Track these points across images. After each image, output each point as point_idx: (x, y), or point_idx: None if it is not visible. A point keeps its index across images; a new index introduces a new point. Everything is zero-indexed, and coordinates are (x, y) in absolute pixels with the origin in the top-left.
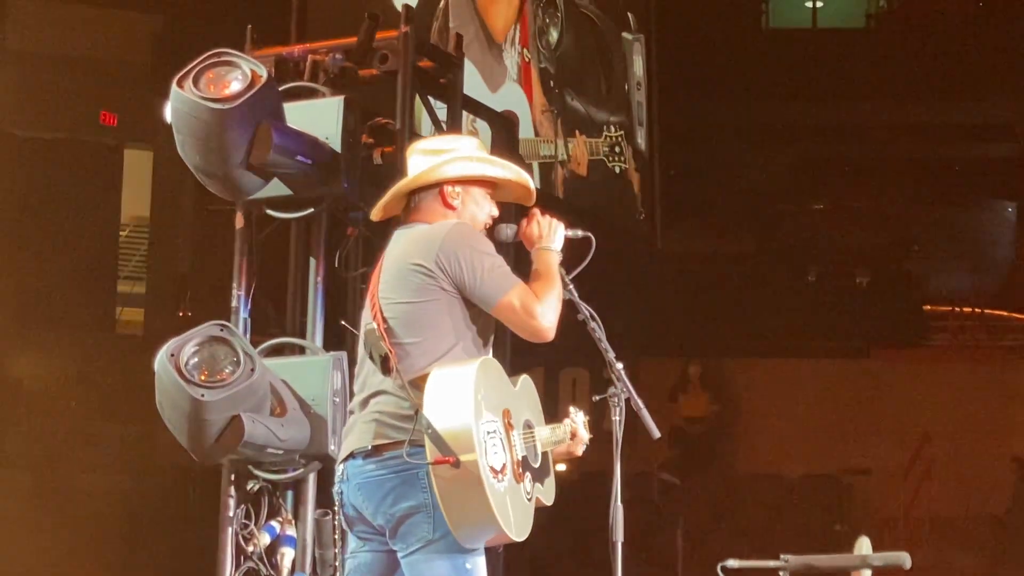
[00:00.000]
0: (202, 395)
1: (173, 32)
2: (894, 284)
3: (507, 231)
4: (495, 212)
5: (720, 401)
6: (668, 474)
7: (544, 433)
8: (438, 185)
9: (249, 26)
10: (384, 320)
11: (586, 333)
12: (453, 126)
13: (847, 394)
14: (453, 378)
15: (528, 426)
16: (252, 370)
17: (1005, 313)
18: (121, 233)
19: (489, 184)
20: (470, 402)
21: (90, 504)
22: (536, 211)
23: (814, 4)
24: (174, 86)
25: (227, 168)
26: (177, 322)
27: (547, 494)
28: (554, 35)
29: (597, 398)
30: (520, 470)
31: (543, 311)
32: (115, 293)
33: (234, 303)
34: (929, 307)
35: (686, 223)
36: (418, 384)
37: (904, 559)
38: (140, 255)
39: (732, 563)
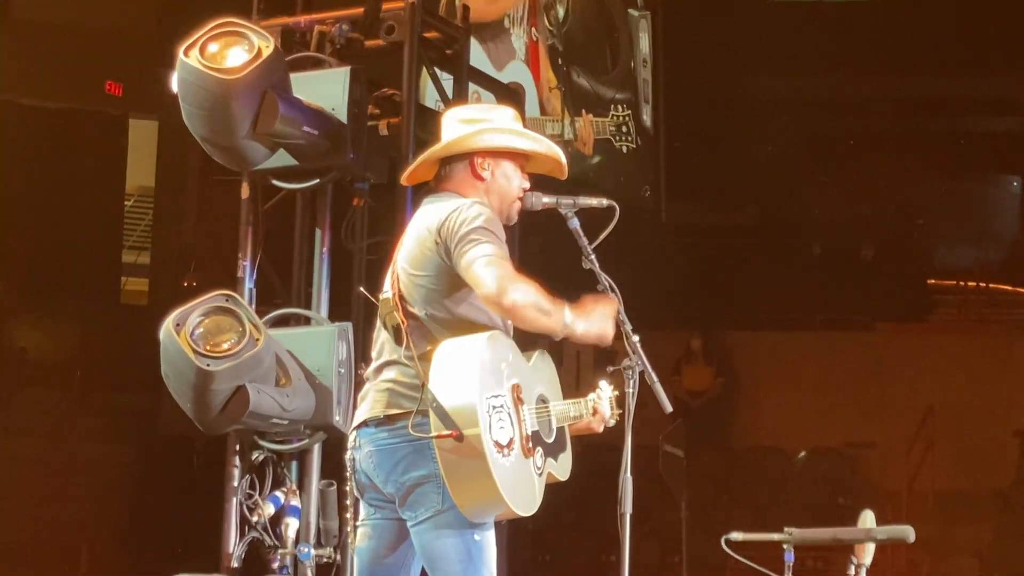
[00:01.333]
0: (207, 365)
1: (179, 2)
2: (899, 258)
3: (534, 199)
4: (526, 185)
5: (724, 374)
6: (672, 447)
7: (560, 408)
8: (469, 155)
9: None
10: (400, 289)
11: None
12: (459, 98)
13: (851, 368)
14: (459, 352)
15: (542, 400)
16: (257, 340)
17: (1009, 287)
18: (126, 203)
19: (520, 156)
20: (475, 376)
21: (95, 473)
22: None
23: None
24: (180, 56)
25: (233, 138)
26: (182, 292)
27: (561, 469)
28: (561, 11)
29: (612, 369)
30: (530, 444)
31: (516, 286)
32: (120, 263)
33: (239, 273)
34: (933, 281)
35: (691, 196)
36: (428, 356)
37: (908, 533)
38: (145, 225)
39: (736, 536)
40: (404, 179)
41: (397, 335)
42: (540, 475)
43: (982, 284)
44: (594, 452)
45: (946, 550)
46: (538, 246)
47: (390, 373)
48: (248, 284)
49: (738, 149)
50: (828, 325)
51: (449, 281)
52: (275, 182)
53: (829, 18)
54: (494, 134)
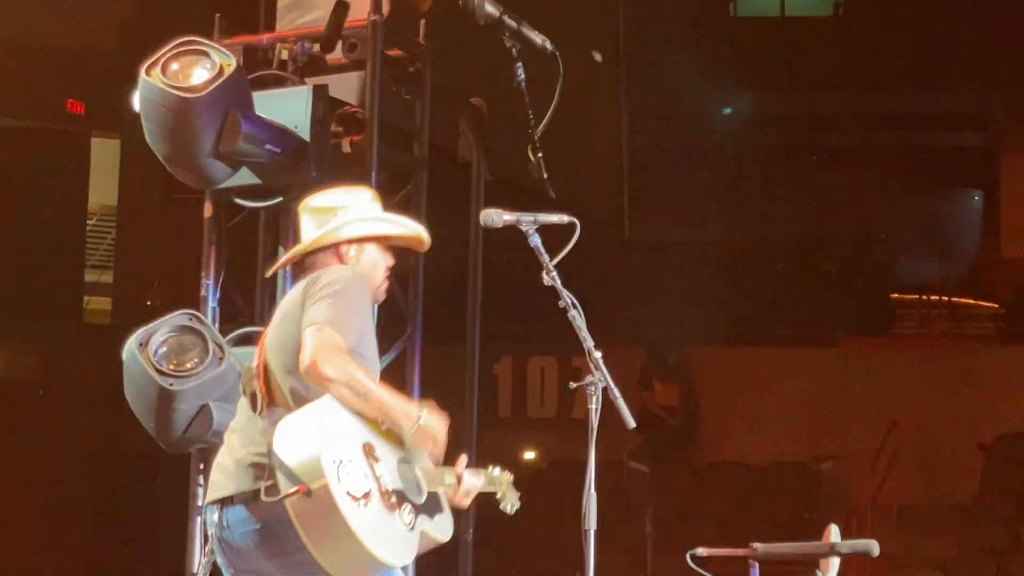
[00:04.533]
0: (171, 384)
1: (141, 20)
2: (861, 273)
3: (494, 216)
4: (390, 262)
5: (688, 390)
6: (637, 462)
7: (431, 473)
8: (334, 245)
9: (217, 15)
10: (265, 362)
11: (555, 322)
12: (421, 114)
13: (815, 383)
14: (301, 415)
15: (405, 461)
16: (221, 359)
17: (972, 301)
18: (88, 222)
19: (383, 238)
20: (314, 434)
21: (58, 493)
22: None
23: None
24: (142, 74)
25: (195, 157)
26: (145, 311)
27: (441, 529)
28: None
29: (574, 385)
30: (393, 499)
31: (328, 360)
32: (82, 282)
33: (203, 292)
34: (896, 295)
35: (654, 212)
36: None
37: (872, 547)
38: (108, 244)
39: (701, 551)
40: (269, 273)
41: (254, 405)
42: (411, 529)
43: (944, 298)
44: (559, 468)
45: (911, 563)
46: (501, 264)
47: (244, 445)
48: (211, 303)
49: (702, 164)
50: (792, 340)
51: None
52: (238, 200)
53: (791, 34)
54: (356, 224)
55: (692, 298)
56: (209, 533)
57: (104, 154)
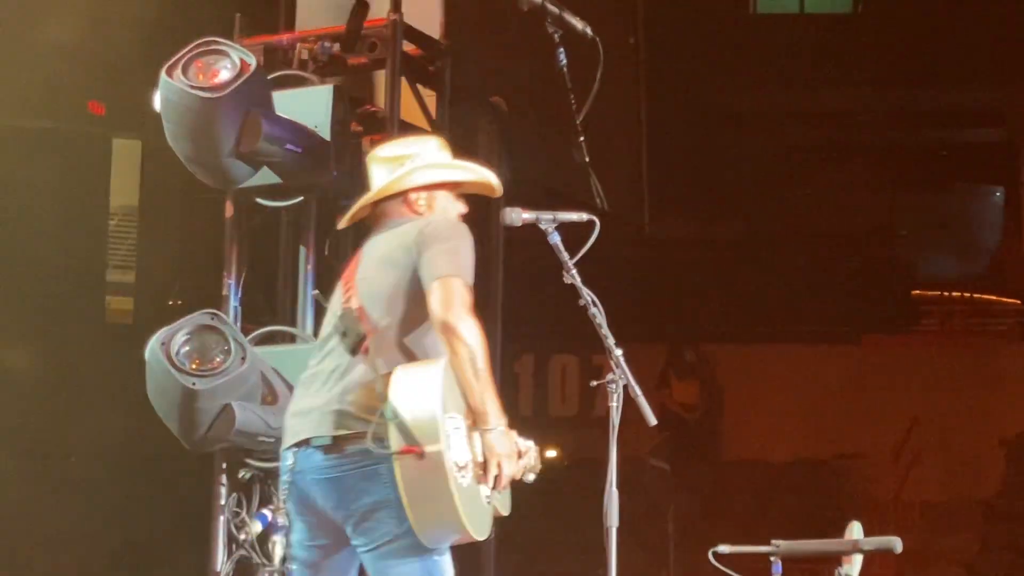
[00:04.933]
0: (193, 384)
1: (162, 21)
2: (882, 270)
3: (514, 215)
4: (463, 209)
5: (709, 387)
6: (658, 460)
7: None
8: (402, 193)
9: (238, 15)
10: (361, 305)
11: (576, 320)
12: (441, 113)
13: (836, 380)
14: (422, 371)
15: None
16: (243, 358)
17: (993, 297)
18: (110, 222)
19: (453, 184)
20: (437, 395)
21: (81, 493)
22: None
23: None
24: (163, 75)
25: (217, 157)
26: (167, 311)
27: (503, 504)
28: None
29: (595, 383)
30: (481, 472)
31: (462, 317)
32: (104, 282)
33: (224, 292)
34: (917, 292)
35: (674, 209)
36: (387, 373)
37: (895, 543)
38: (129, 244)
39: (723, 548)
40: (342, 224)
41: (356, 346)
42: (488, 503)
43: (966, 295)
44: (582, 465)
45: (933, 560)
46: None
47: (340, 389)
48: (233, 302)
49: (722, 161)
50: (813, 337)
51: (415, 299)
52: (259, 200)
53: (811, 30)
54: (424, 171)
55: (713, 295)
56: (282, 481)
57: (125, 155)
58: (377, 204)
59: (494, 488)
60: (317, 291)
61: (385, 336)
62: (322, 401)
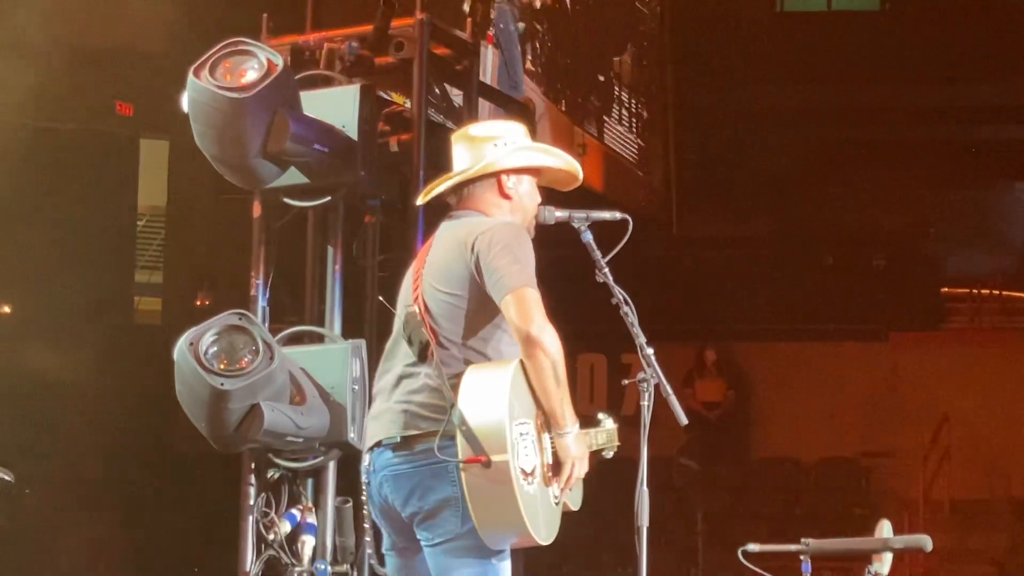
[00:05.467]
0: (222, 384)
1: (189, 21)
2: (911, 267)
3: (547, 214)
4: (539, 199)
5: (737, 386)
6: (688, 459)
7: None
8: (495, 174)
9: (265, 15)
10: (426, 305)
11: (604, 319)
12: (469, 113)
13: (865, 378)
14: (489, 377)
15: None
16: (271, 358)
17: (1022, 294)
18: (138, 223)
19: (535, 172)
20: (505, 403)
21: (109, 493)
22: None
23: None
24: (191, 76)
25: (244, 157)
26: (195, 311)
27: (575, 499)
28: None
29: (627, 382)
30: (550, 473)
31: (546, 330)
32: (133, 283)
33: (252, 292)
34: (947, 290)
35: (702, 208)
36: (456, 377)
37: (925, 542)
38: (157, 244)
39: (753, 547)
40: (422, 198)
41: (423, 352)
42: (557, 504)
43: (995, 292)
44: (611, 464)
45: (963, 559)
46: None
47: (409, 392)
48: (261, 302)
49: (750, 160)
50: (842, 335)
51: (478, 301)
52: (286, 200)
53: (839, 28)
54: (523, 152)
55: (742, 293)
56: (363, 483)
57: (153, 155)
58: (465, 184)
59: (564, 487)
60: (381, 297)
61: (449, 344)
62: (392, 404)
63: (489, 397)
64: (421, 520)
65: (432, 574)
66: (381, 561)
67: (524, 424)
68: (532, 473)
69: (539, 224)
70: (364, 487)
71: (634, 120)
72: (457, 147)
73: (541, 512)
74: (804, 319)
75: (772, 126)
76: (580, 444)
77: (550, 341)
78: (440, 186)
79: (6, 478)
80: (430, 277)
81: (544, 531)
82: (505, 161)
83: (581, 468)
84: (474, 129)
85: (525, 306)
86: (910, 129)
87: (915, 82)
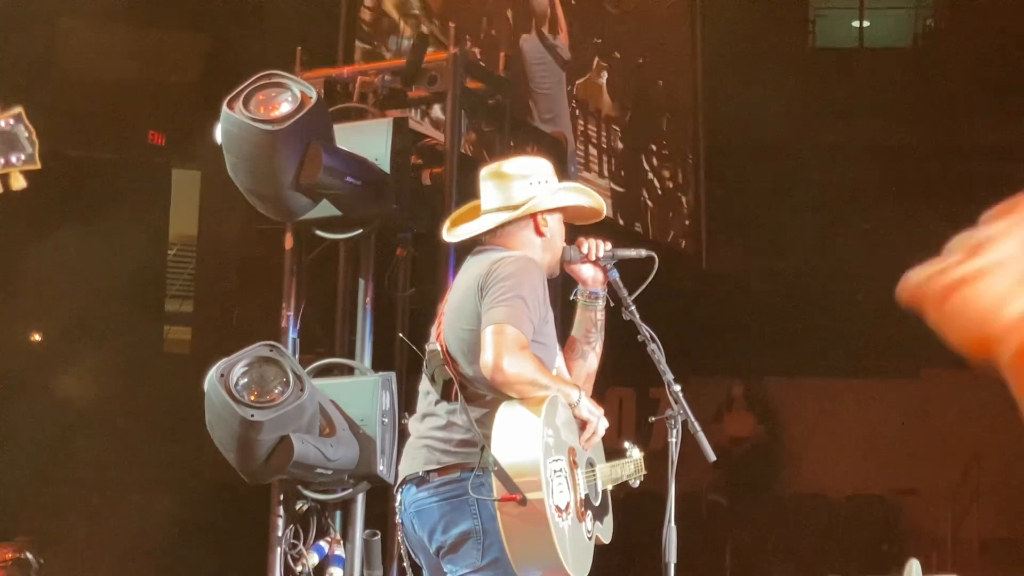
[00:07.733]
0: (252, 415)
1: (222, 53)
2: None
3: (573, 252)
4: (564, 235)
5: (766, 421)
6: (716, 495)
7: (605, 471)
8: (533, 215)
9: (298, 48)
10: (447, 343)
11: (633, 353)
12: (502, 147)
13: (896, 414)
14: (521, 415)
15: (590, 464)
16: (301, 390)
17: None
18: (169, 252)
19: (562, 208)
20: (539, 441)
21: (139, 522)
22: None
23: (861, 23)
24: (224, 108)
25: (277, 189)
26: (225, 342)
27: (606, 532)
28: None
29: (653, 419)
30: (582, 508)
31: (512, 362)
32: (163, 312)
33: (283, 323)
34: None
35: (732, 243)
36: (483, 415)
37: None
38: (188, 274)
39: None
40: (458, 237)
41: (446, 390)
42: (590, 539)
43: None
44: (638, 500)
45: None
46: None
47: (431, 427)
48: (292, 334)
49: (779, 194)
50: (871, 371)
51: None
52: (318, 232)
53: (869, 65)
54: (566, 193)
55: (771, 329)
56: (397, 521)
57: (185, 185)
58: (507, 224)
59: (589, 441)
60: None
61: (472, 384)
62: (415, 440)
63: (522, 436)
64: (445, 553)
65: None
66: None
67: (558, 461)
68: (566, 509)
69: (566, 263)
70: (399, 526)
71: (653, 159)
72: (487, 183)
73: (573, 548)
74: (834, 354)
75: (803, 161)
76: (592, 405)
77: (512, 368)
78: (479, 227)
79: (32, 563)
80: (450, 314)
81: (579, 567)
82: (548, 202)
83: (602, 426)
84: (506, 166)
85: (499, 339)
86: (941, 166)
87: (947, 119)
